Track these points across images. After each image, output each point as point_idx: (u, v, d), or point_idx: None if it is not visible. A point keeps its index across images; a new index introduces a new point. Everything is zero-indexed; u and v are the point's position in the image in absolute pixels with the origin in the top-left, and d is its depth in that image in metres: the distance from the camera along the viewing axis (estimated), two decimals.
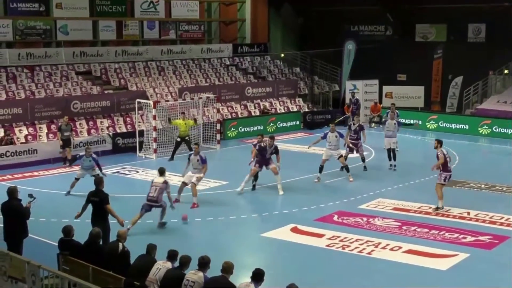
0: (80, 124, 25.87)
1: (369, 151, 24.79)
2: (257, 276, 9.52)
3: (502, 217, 16.97)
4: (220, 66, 34.77)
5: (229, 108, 31.50)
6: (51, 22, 30.08)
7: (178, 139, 24.70)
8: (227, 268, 9.76)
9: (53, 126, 25.40)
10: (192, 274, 9.87)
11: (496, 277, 13.30)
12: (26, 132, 24.68)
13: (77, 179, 19.18)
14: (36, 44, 29.80)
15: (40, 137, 24.68)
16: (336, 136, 21.02)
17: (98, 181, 13.81)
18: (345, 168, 21.21)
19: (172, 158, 24.27)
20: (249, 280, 9.55)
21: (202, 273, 9.83)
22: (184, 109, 26.61)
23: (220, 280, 9.73)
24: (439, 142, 17.88)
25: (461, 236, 15.54)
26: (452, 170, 18.05)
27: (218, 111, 28.47)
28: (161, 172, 16.16)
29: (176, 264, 10.34)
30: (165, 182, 15.93)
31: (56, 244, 11.79)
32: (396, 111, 26.35)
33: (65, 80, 28.56)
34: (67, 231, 11.58)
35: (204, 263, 9.94)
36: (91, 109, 26.95)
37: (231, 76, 34.28)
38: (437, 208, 17.59)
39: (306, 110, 33.82)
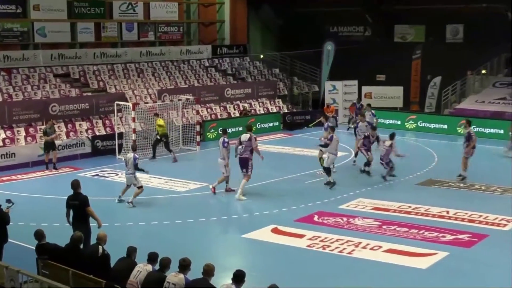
0: (58, 127, 25.65)
1: (348, 151, 24.87)
2: (238, 277, 9.51)
3: (481, 216, 17.11)
4: (199, 68, 34.72)
5: (209, 110, 31.45)
6: (28, 24, 29.85)
7: (158, 137, 24.73)
8: (208, 271, 9.75)
9: (31, 129, 25.20)
10: (173, 276, 9.84)
11: (475, 275, 13.41)
12: (4, 136, 24.43)
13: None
14: (13, 47, 29.54)
15: (18, 141, 24.46)
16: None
17: (76, 184, 13.62)
18: (321, 162, 21.64)
19: (154, 157, 24.45)
20: (230, 281, 9.55)
21: (183, 275, 9.81)
22: (164, 111, 26.62)
23: (201, 282, 9.71)
24: (469, 122, 21.05)
25: (441, 234, 15.64)
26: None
27: (198, 112, 28.45)
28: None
29: (157, 266, 10.31)
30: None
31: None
32: (372, 111, 26.46)
33: (43, 83, 28.35)
34: (39, 235, 11.45)
35: (185, 265, 9.91)
36: (70, 112, 26.75)
37: (210, 78, 34.24)
38: (460, 176, 20.63)
39: (286, 111, 33.87)
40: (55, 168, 22.67)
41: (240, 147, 18.90)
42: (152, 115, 25.68)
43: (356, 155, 23.37)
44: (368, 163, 21.60)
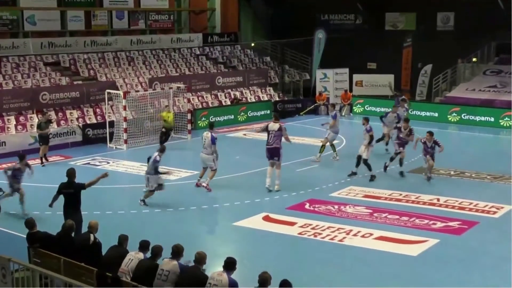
0: (49, 115, 25.51)
1: (339, 139, 24.85)
2: (229, 264, 9.54)
3: (471, 203, 17.20)
4: (190, 56, 34.62)
5: (200, 98, 31.41)
6: (18, 12, 29.66)
7: (163, 130, 24.70)
8: (200, 259, 9.76)
9: (21, 118, 25.10)
10: (166, 263, 9.83)
11: (465, 261, 13.51)
12: None
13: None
14: (3, 35, 29.36)
15: (9, 129, 24.37)
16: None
17: (72, 173, 13.53)
18: (321, 149, 22.16)
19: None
20: (222, 269, 9.57)
21: (176, 262, 9.81)
22: (155, 100, 26.54)
23: (192, 270, 9.72)
24: None
25: (431, 222, 15.72)
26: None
27: (189, 101, 28.39)
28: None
29: (148, 254, 10.32)
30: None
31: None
32: (406, 105, 26.06)
33: (33, 71, 28.21)
34: (30, 224, 11.45)
35: (178, 252, 9.91)
36: (60, 100, 26.65)
37: (201, 66, 34.17)
38: None
39: (277, 99, 33.86)
40: (46, 159, 22.40)
41: (269, 136, 18.45)
42: (164, 107, 25.63)
43: (383, 139, 23.45)
44: (399, 162, 20.52)
